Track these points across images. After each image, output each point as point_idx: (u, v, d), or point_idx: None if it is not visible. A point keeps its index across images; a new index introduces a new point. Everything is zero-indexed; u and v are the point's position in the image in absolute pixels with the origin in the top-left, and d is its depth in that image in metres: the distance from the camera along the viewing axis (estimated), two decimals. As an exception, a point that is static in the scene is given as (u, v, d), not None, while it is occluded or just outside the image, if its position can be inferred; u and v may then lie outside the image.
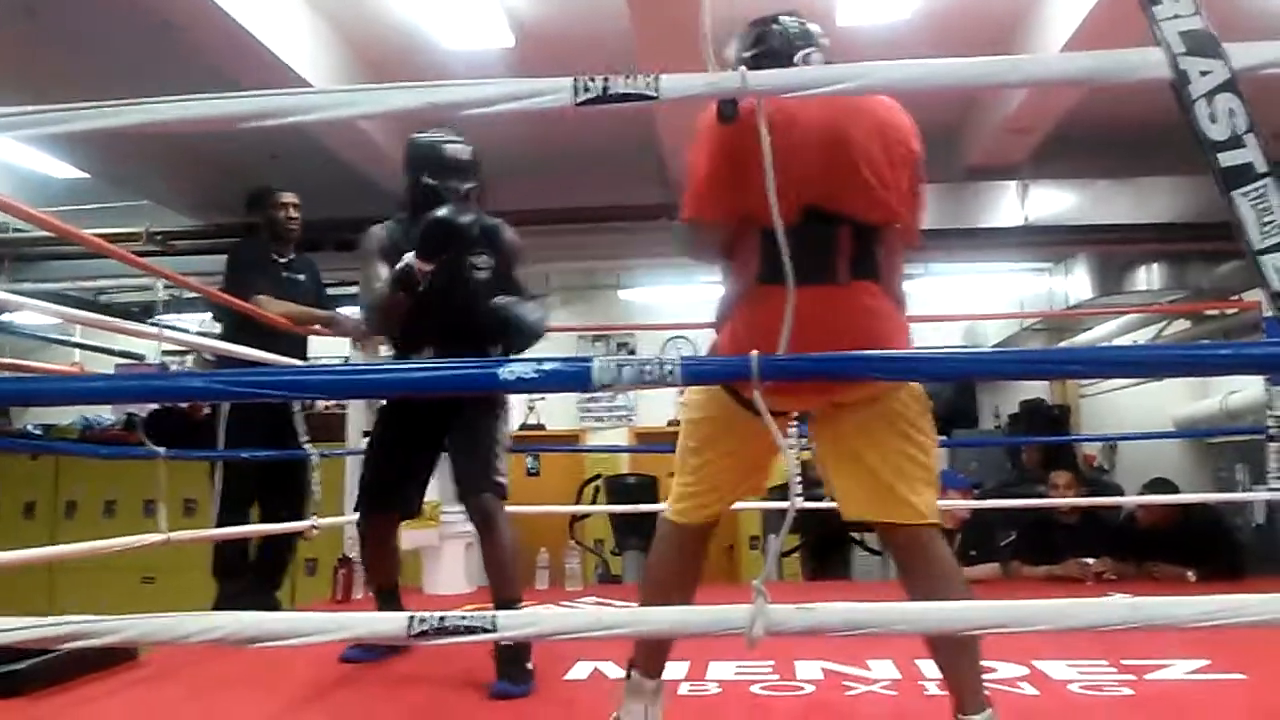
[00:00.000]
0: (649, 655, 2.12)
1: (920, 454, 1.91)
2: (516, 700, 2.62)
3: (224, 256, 7.30)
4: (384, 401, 3.22)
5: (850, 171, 1.91)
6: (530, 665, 2.75)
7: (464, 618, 1.18)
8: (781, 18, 2.04)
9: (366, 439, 3.41)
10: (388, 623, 1.20)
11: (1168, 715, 2.40)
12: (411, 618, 1.18)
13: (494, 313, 2.92)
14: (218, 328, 4.87)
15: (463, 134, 3.10)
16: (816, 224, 1.86)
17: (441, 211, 2.79)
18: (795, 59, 1.95)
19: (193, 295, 7.29)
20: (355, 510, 3.17)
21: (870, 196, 1.91)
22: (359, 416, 5.08)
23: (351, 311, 5.72)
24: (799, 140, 1.85)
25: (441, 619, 1.17)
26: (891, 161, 1.95)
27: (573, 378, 1.39)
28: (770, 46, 2.00)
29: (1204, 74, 1.20)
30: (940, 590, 1.84)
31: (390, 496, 3.16)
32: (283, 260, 4.49)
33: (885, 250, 1.94)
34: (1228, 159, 1.19)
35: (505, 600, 2.88)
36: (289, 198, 4.50)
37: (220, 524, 4.09)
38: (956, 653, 1.90)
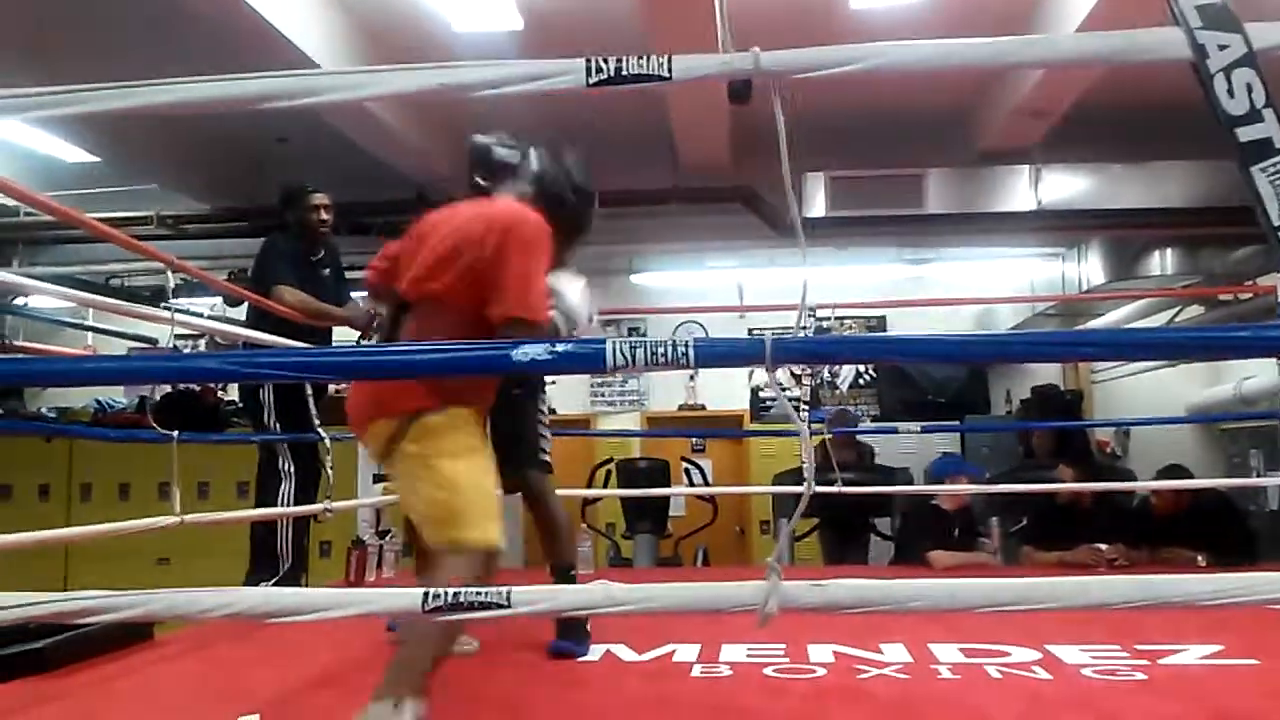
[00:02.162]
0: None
1: (430, 491, 2.15)
2: (533, 679, 2.64)
3: (234, 240, 7.40)
4: None
5: (405, 260, 2.39)
6: (589, 627, 2.97)
7: (478, 593, 1.19)
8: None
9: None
10: (403, 598, 1.21)
11: (1181, 699, 2.39)
12: (426, 593, 1.19)
13: None
14: (230, 312, 4.89)
15: (521, 137, 3.24)
16: (387, 300, 2.46)
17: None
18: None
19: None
20: None
21: (408, 279, 2.33)
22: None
23: (363, 298, 5.74)
24: (409, 244, 2.42)
25: (455, 594, 1.17)
26: (448, 251, 2.27)
27: (587, 359, 1.39)
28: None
29: (1222, 48, 1.18)
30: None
31: None
32: (314, 259, 4.55)
33: (417, 319, 2.30)
34: (1246, 134, 1.18)
35: (561, 566, 3.12)
36: (321, 199, 4.56)
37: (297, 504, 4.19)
38: (405, 638, 2.03)
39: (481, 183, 3.09)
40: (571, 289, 2.44)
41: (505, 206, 2.36)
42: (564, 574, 3.10)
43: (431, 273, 2.27)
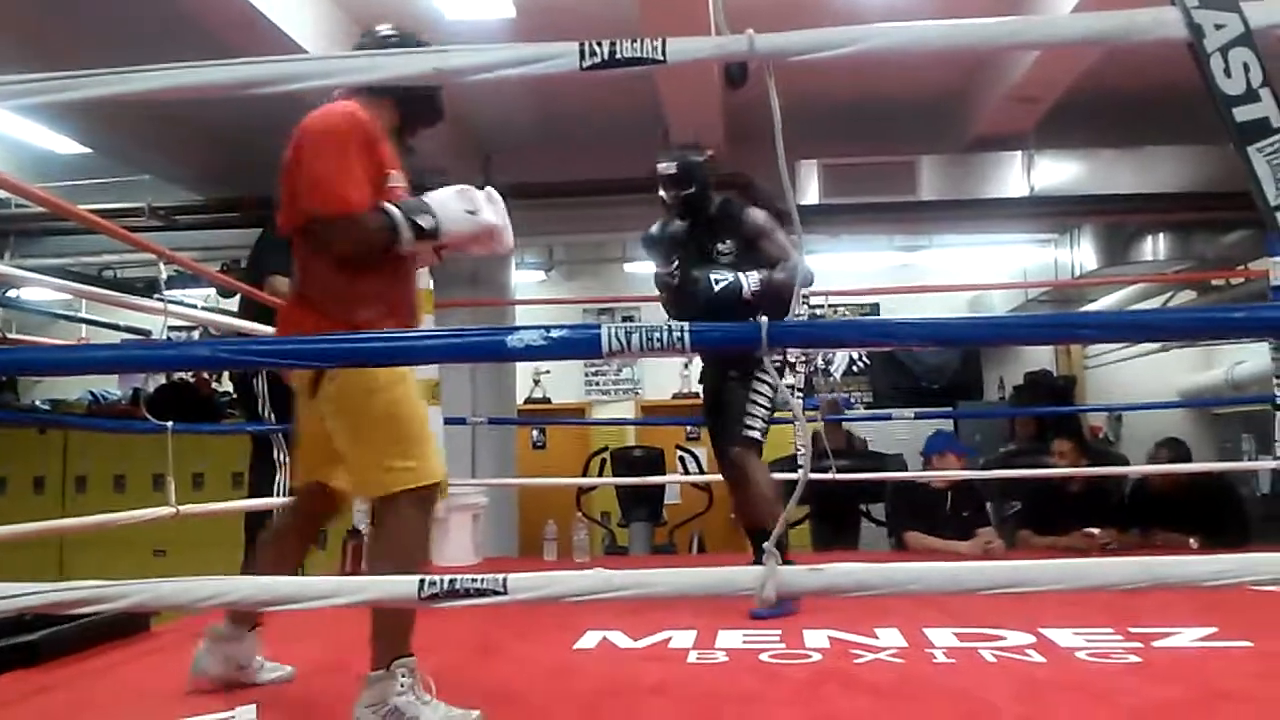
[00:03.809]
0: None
1: (348, 437, 2.13)
2: (528, 668, 2.64)
3: (227, 231, 7.37)
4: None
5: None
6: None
7: (474, 580, 1.19)
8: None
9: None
10: (398, 585, 1.21)
11: (1175, 682, 2.40)
12: (422, 581, 1.18)
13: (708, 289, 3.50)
14: (223, 303, 4.86)
15: (688, 147, 3.77)
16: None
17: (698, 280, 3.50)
18: None
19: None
20: None
21: (278, 215, 2.23)
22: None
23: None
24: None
25: (451, 582, 1.17)
26: (284, 178, 2.18)
27: (582, 345, 1.38)
28: None
29: (1219, 27, 1.18)
30: (378, 562, 2.13)
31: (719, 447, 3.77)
32: None
33: (296, 258, 2.22)
34: (1243, 114, 1.17)
35: (758, 530, 3.49)
36: None
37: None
38: (382, 614, 2.05)
39: (660, 194, 3.69)
40: (443, 193, 2.23)
41: (312, 113, 2.17)
42: (761, 538, 3.40)
43: (284, 204, 2.18)
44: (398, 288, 2.21)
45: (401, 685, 1.99)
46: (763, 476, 3.55)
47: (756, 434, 3.59)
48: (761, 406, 3.60)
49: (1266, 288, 4.66)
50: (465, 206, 2.17)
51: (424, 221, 2.10)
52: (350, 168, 2.07)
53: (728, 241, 3.65)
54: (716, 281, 3.49)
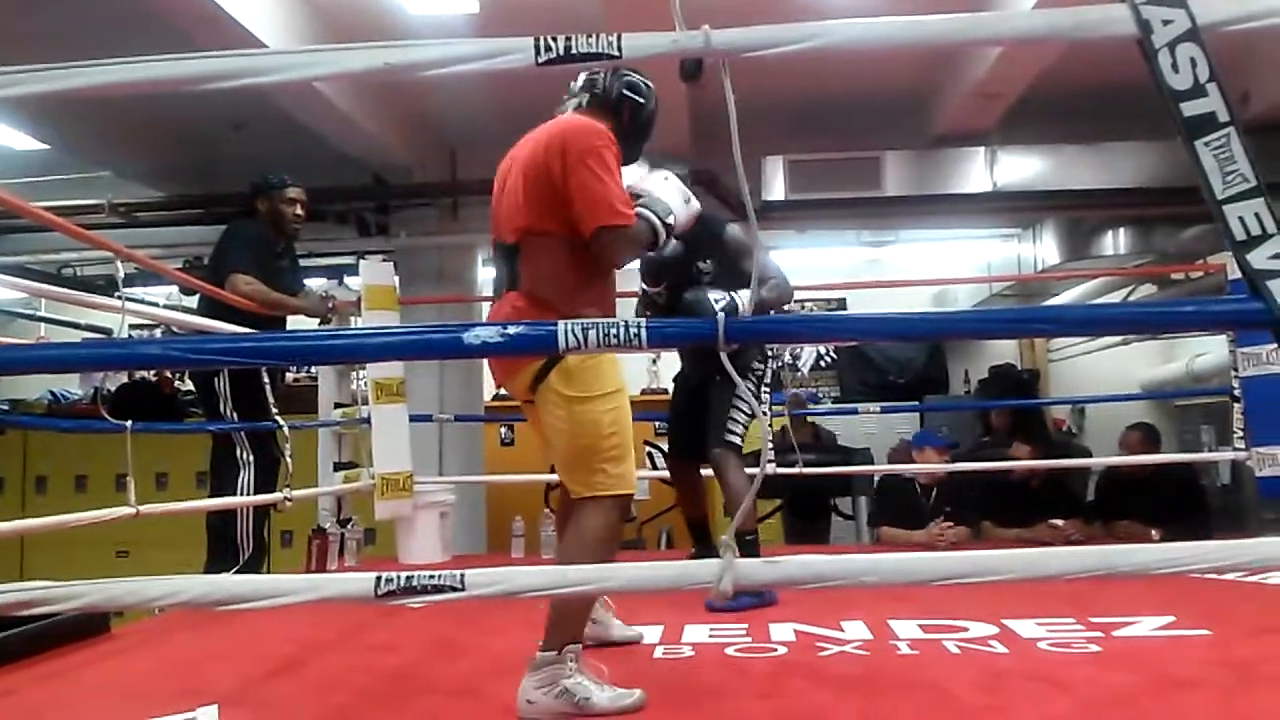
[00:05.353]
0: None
1: (563, 440, 2.28)
2: (492, 665, 2.63)
3: (189, 228, 7.28)
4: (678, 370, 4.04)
5: (497, 208, 2.44)
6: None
7: (431, 577, 1.18)
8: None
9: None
10: (353, 583, 1.20)
11: (1135, 670, 2.43)
12: (378, 578, 1.18)
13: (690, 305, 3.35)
14: (185, 301, 4.78)
15: (668, 157, 3.46)
16: (497, 252, 2.43)
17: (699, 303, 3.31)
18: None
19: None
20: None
21: (504, 224, 2.39)
22: (330, 387, 5.03)
23: (317, 284, 5.68)
24: (496, 189, 2.46)
25: (408, 578, 1.16)
26: (525, 185, 2.33)
27: (539, 341, 1.38)
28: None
29: (1166, 23, 1.19)
30: (570, 550, 2.24)
31: (683, 448, 3.83)
32: (277, 250, 4.47)
33: (526, 260, 2.33)
34: (1190, 109, 1.19)
35: (737, 531, 3.34)
36: (298, 194, 4.48)
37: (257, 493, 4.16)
38: (560, 600, 2.18)
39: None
40: (654, 183, 2.45)
41: (559, 123, 2.41)
42: (740, 539, 3.37)
43: (520, 210, 2.32)
44: (610, 293, 2.43)
45: (570, 668, 2.14)
46: (738, 479, 3.56)
47: (737, 438, 3.60)
48: (743, 412, 3.61)
49: (1224, 281, 4.74)
50: (680, 195, 2.42)
51: (670, 220, 2.35)
52: (619, 183, 2.29)
53: (708, 260, 3.59)
54: (716, 301, 3.36)
